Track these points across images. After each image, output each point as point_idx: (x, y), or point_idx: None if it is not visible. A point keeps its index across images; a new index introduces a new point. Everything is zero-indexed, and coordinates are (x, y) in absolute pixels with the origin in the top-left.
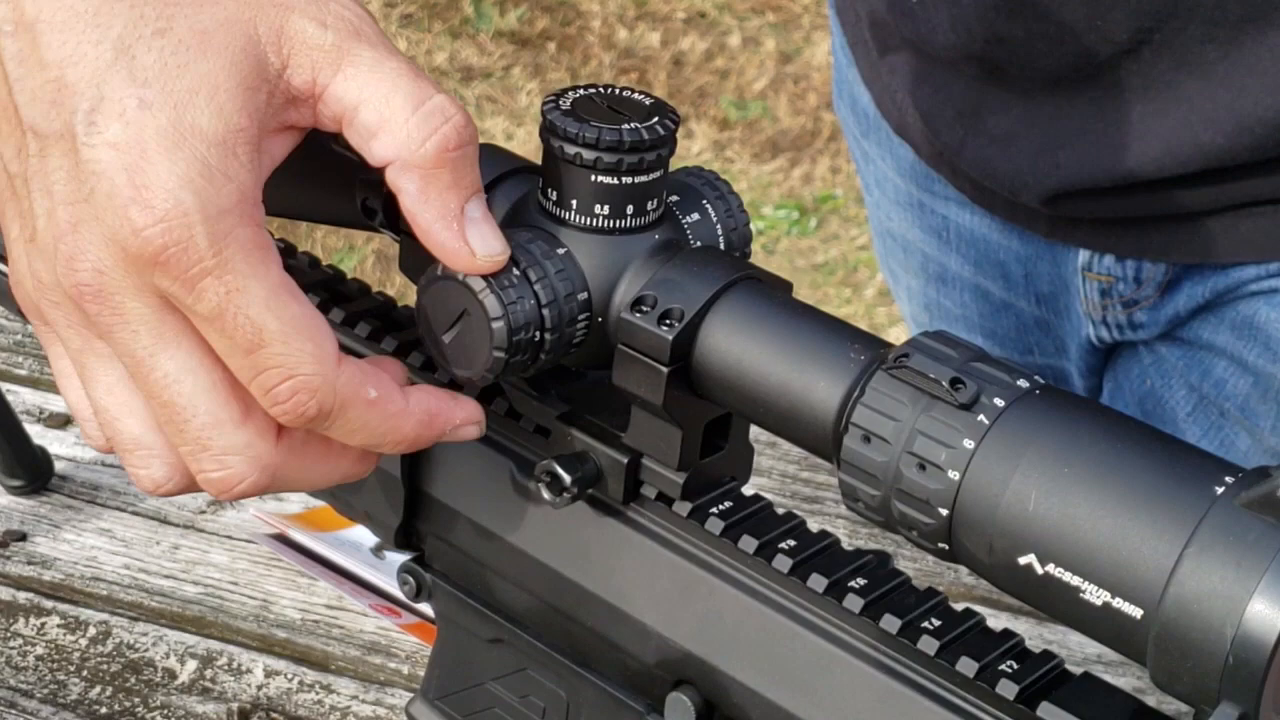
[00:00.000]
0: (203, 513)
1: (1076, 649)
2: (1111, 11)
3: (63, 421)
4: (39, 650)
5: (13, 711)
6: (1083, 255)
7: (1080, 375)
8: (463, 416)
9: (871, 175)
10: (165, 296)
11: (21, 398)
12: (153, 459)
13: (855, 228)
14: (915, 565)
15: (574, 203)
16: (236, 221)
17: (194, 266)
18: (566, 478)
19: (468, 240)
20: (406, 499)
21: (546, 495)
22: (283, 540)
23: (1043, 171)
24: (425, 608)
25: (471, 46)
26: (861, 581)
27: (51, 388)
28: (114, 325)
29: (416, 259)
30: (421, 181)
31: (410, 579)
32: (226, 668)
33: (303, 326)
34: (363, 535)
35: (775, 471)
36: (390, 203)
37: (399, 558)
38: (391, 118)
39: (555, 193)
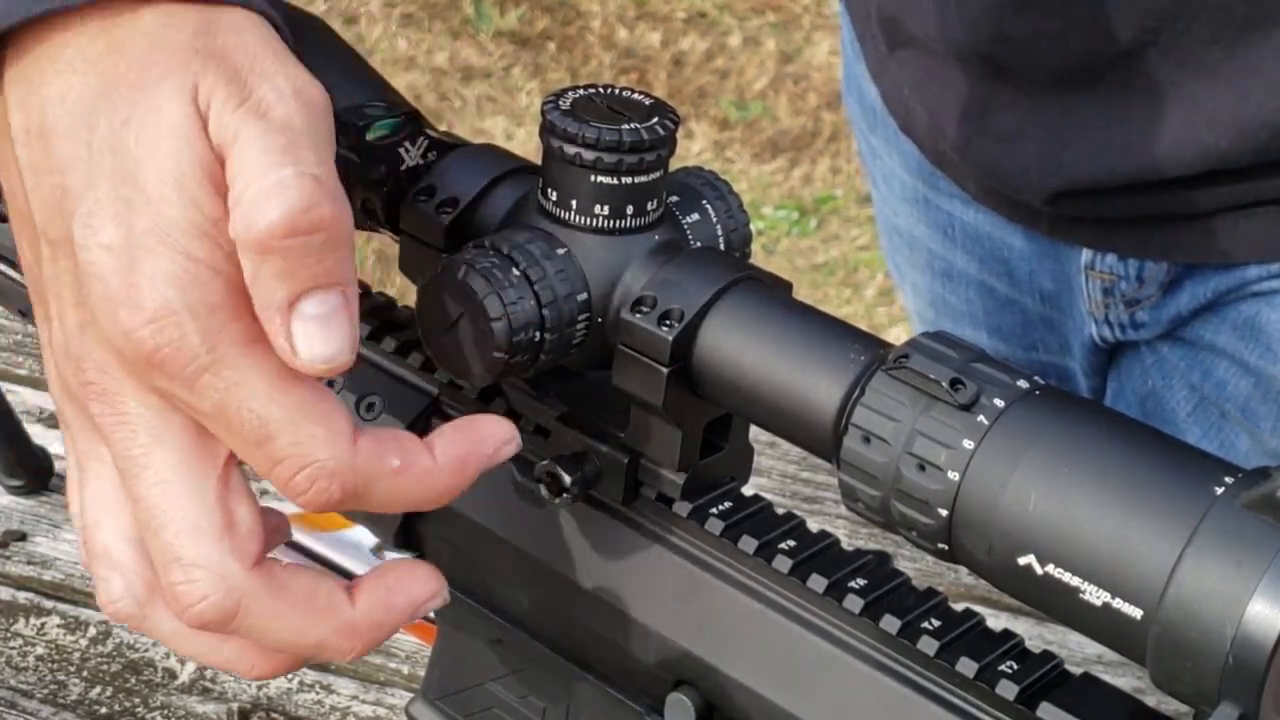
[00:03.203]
0: None
1: (1076, 649)
2: (1117, 11)
3: None
4: (39, 650)
5: (13, 712)
6: (1085, 254)
7: (1084, 374)
8: (495, 443)
9: (878, 170)
10: (166, 396)
11: (22, 398)
12: (113, 572)
13: (855, 228)
14: (915, 565)
15: (574, 203)
16: (229, 316)
17: (190, 365)
18: (566, 478)
19: (290, 339)
20: None
21: (546, 495)
22: None
23: (1047, 170)
24: None
25: (471, 46)
26: (861, 582)
27: None
28: (114, 426)
29: (416, 259)
30: (251, 265)
31: None
32: None
33: (310, 411)
34: (363, 535)
35: (775, 471)
36: (390, 203)
37: (399, 558)
38: (240, 194)
39: (555, 193)
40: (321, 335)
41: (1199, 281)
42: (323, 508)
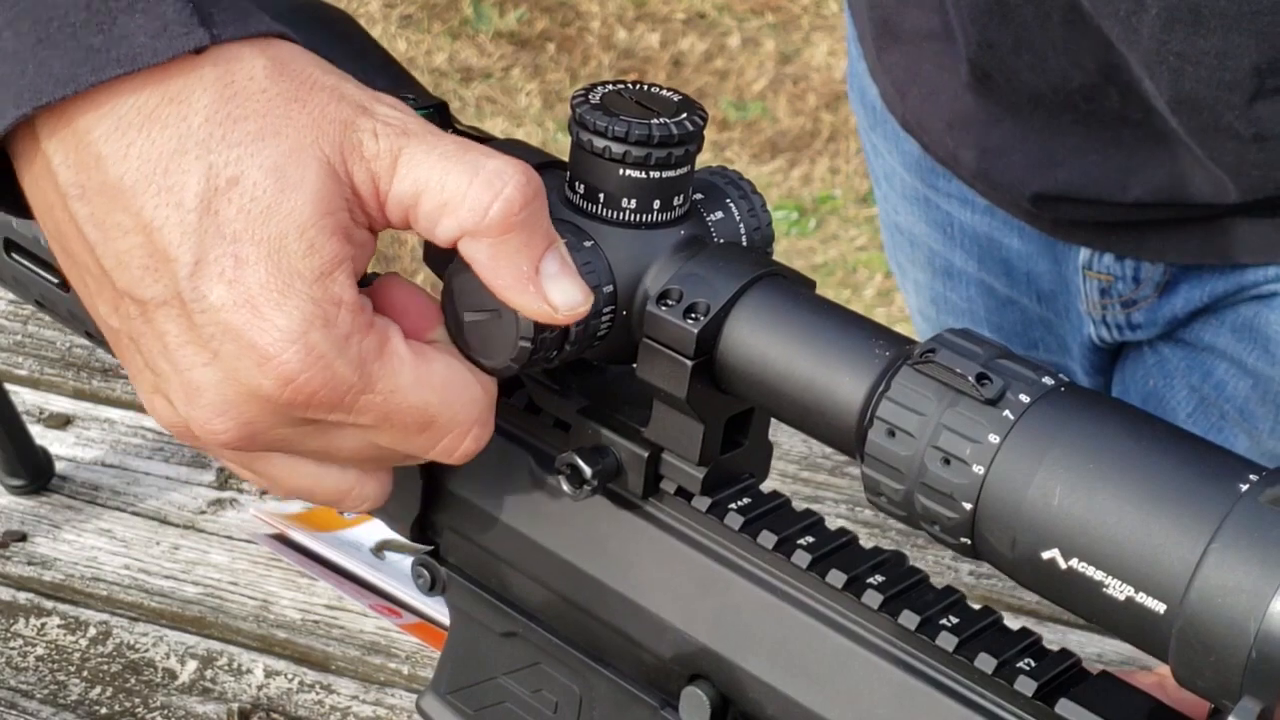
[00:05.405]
0: (203, 513)
1: (1078, 649)
2: (1083, 40)
3: (63, 422)
4: (39, 651)
5: (13, 712)
6: (1083, 254)
7: (1085, 374)
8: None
9: (880, 168)
10: (313, 421)
11: (22, 398)
12: (365, 495)
13: (854, 228)
14: (919, 566)
15: (602, 196)
16: (360, 336)
17: (347, 393)
18: (587, 470)
19: (548, 299)
20: (424, 491)
21: (566, 488)
22: (283, 540)
23: (1037, 182)
24: (426, 607)
25: (471, 47)
26: (880, 578)
27: (51, 388)
28: (281, 447)
29: (441, 251)
30: (491, 249)
31: (425, 572)
32: (227, 668)
33: (451, 379)
34: (363, 535)
35: (775, 471)
36: None
37: (399, 558)
38: (452, 194)
39: (583, 186)
40: (570, 284)
41: (1195, 284)
42: (473, 454)
